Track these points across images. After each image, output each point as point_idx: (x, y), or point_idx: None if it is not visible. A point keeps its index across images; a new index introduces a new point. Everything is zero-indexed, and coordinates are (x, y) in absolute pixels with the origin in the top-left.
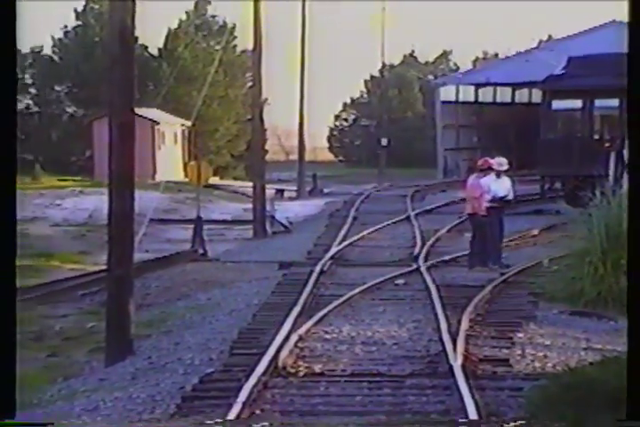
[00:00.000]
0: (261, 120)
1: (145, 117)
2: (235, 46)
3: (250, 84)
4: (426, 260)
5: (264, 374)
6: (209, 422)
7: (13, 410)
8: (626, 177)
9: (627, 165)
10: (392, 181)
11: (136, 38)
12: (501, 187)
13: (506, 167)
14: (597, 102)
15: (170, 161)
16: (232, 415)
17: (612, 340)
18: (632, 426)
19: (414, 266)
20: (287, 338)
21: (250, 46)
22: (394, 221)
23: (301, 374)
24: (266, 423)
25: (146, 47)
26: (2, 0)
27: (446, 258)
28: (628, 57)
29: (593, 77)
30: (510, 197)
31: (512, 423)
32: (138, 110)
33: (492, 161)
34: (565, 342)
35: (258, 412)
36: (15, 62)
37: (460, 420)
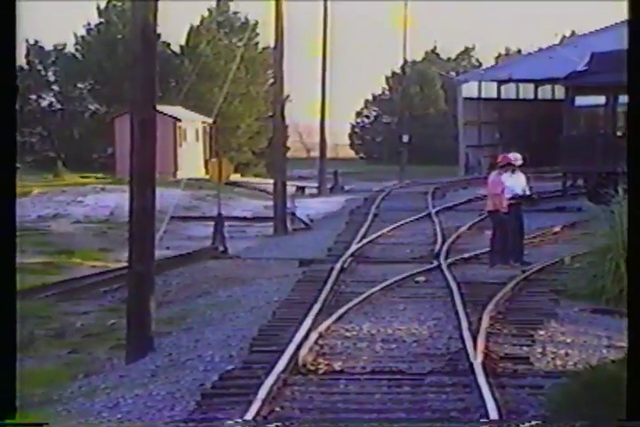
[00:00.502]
0: (282, 117)
1: (166, 114)
2: (257, 43)
3: (271, 80)
4: (447, 257)
5: (284, 371)
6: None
7: (13, 410)
8: None
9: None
10: (413, 178)
11: (158, 35)
12: (517, 183)
13: (520, 162)
14: (621, 99)
15: (191, 158)
16: (251, 413)
17: None
18: (632, 426)
19: (435, 263)
20: (307, 335)
21: (272, 43)
22: (414, 218)
23: (321, 371)
24: (279, 424)
25: (168, 44)
26: (2, 0)
27: (467, 255)
28: (628, 57)
29: (616, 73)
30: (527, 193)
31: (527, 424)
32: (159, 107)
33: (511, 157)
34: (587, 340)
35: (277, 409)
36: (15, 63)
37: (481, 420)
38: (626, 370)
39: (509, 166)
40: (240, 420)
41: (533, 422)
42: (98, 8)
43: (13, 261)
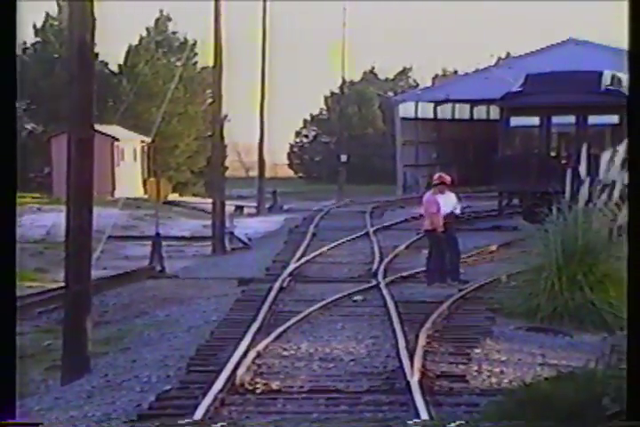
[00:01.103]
0: (221, 136)
1: (104, 134)
2: (195, 63)
3: (210, 100)
4: (384, 276)
5: (221, 391)
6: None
7: (13, 410)
8: (582, 193)
9: (628, 165)
10: (352, 198)
11: (96, 55)
12: (448, 202)
13: (449, 183)
14: (554, 119)
15: (129, 177)
16: None
17: (567, 355)
18: (632, 426)
19: (373, 282)
20: (245, 355)
21: (210, 63)
22: (353, 237)
23: (259, 391)
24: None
25: (106, 64)
26: (2, 0)
27: (405, 274)
28: (628, 57)
29: (550, 95)
30: (458, 211)
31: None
32: (97, 127)
33: (446, 176)
34: (521, 358)
35: None
36: (15, 64)
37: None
38: (559, 387)
39: (444, 186)
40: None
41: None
42: (34, 27)
43: (13, 262)
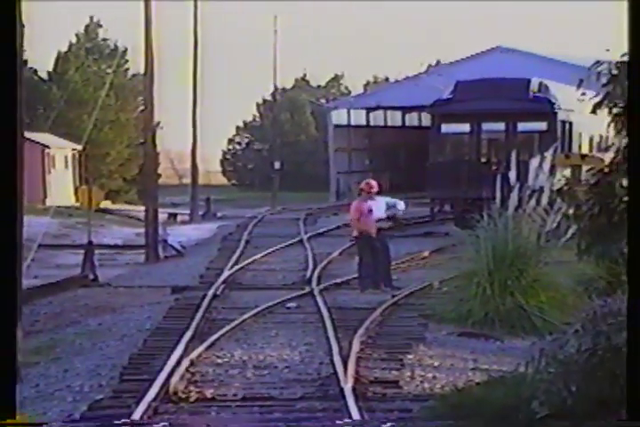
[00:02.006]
0: (154, 144)
1: (35, 141)
2: (126, 70)
3: (142, 107)
4: (318, 283)
5: (154, 399)
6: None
7: (13, 410)
8: (512, 198)
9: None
10: (285, 205)
11: (25, 61)
12: (379, 208)
13: (376, 190)
14: (484, 126)
15: (60, 185)
16: None
17: (498, 360)
18: (632, 426)
19: (307, 289)
20: (178, 363)
21: (142, 70)
22: (286, 244)
23: (192, 399)
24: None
25: (35, 71)
26: (2, 0)
27: (338, 281)
28: (629, 57)
29: (479, 101)
30: (400, 212)
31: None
32: (27, 134)
33: (374, 183)
34: (454, 363)
35: None
36: (15, 64)
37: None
38: (489, 392)
39: (372, 192)
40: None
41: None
42: None
43: (15, 262)
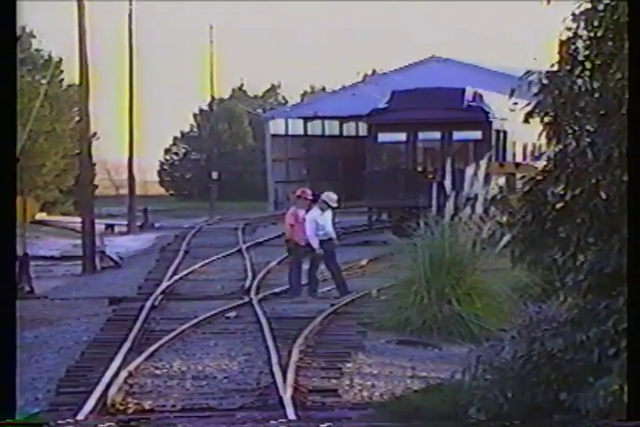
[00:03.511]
0: (90, 155)
1: None
2: (61, 80)
3: (77, 118)
4: (257, 292)
5: (92, 412)
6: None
7: (13, 410)
8: (448, 207)
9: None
10: (224, 215)
11: None
12: (327, 221)
13: (334, 204)
14: (420, 135)
15: None
16: None
17: (436, 367)
18: (632, 426)
19: (246, 299)
20: (116, 375)
21: (77, 80)
22: (225, 254)
23: (130, 410)
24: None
25: None
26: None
27: (277, 290)
28: (628, 57)
29: (415, 111)
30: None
31: (326, 423)
32: None
33: (307, 191)
34: (392, 371)
35: None
36: (15, 63)
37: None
38: (427, 399)
39: (306, 201)
40: (71, 420)
41: (328, 424)
42: None
43: (13, 262)
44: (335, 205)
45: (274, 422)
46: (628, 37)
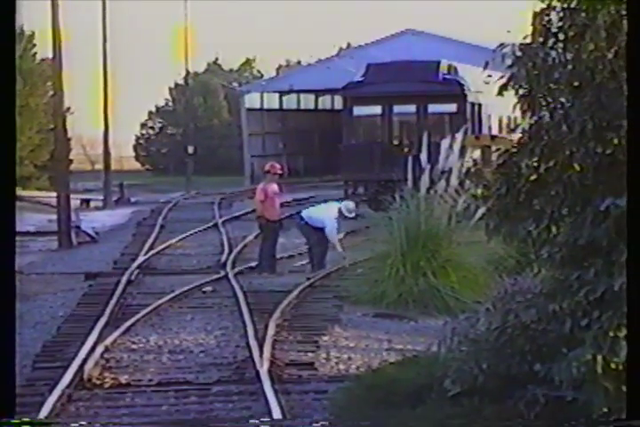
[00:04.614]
0: (64, 129)
1: None
2: (34, 54)
3: (51, 92)
4: (233, 266)
5: (68, 387)
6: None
7: (13, 410)
8: (423, 180)
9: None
10: (200, 189)
11: None
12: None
13: (353, 215)
14: (396, 108)
15: None
16: None
17: (412, 340)
18: (632, 426)
19: (222, 273)
20: (93, 350)
21: (50, 54)
22: (202, 228)
23: (107, 385)
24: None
25: None
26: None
27: (253, 264)
28: (627, 56)
29: (391, 84)
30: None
31: (315, 424)
32: None
33: (277, 165)
34: (369, 344)
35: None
36: (15, 63)
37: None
38: (403, 371)
39: (275, 174)
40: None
41: (320, 423)
42: None
43: (13, 261)
44: (352, 215)
45: (266, 420)
46: (628, 37)
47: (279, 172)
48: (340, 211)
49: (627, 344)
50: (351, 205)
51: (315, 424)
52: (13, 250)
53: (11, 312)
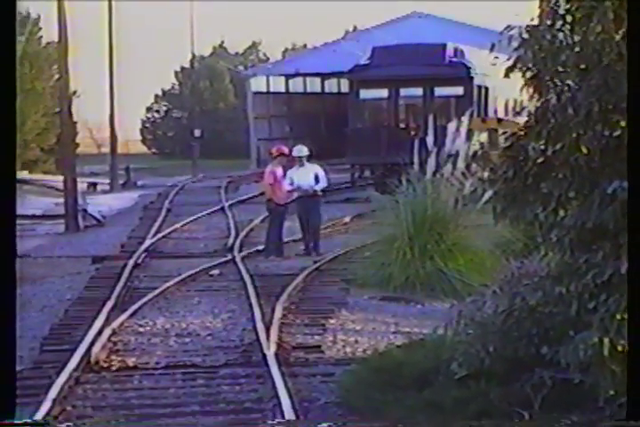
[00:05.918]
0: (70, 113)
1: None
2: (40, 38)
3: (57, 76)
4: (240, 250)
5: (76, 369)
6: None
7: (13, 410)
8: (430, 163)
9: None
10: (206, 173)
11: None
12: (303, 177)
13: (305, 154)
14: (402, 91)
15: None
16: (41, 413)
17: (419, 323)
18: (632, 426)
19: (229, 256)
20: (100, 332)
21: (55, 38)
22: (208, 212)
23: (114, 368)
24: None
25: None
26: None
27: (260, 248)
28: (627, 56)
29: (397, 67)
30: (318, 186)
31: (325, 424)
32: None
33: (284, 148)
34: (375, 327)
35: (69, 408)
36: (15, 62)
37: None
38: (410, 354)
39: (283, 157)
40: (29, 420)
41: (327, 424)
42: None
43: (13, 261)
44: (303, 154)
45: (271, 422)
46: (628, 37)
47: (286, 153)
48: (298, 159)
49: (627, 344)
50: (300, 146)
51: (324, 424)
52: (13, 248)
53: (11, 314)
